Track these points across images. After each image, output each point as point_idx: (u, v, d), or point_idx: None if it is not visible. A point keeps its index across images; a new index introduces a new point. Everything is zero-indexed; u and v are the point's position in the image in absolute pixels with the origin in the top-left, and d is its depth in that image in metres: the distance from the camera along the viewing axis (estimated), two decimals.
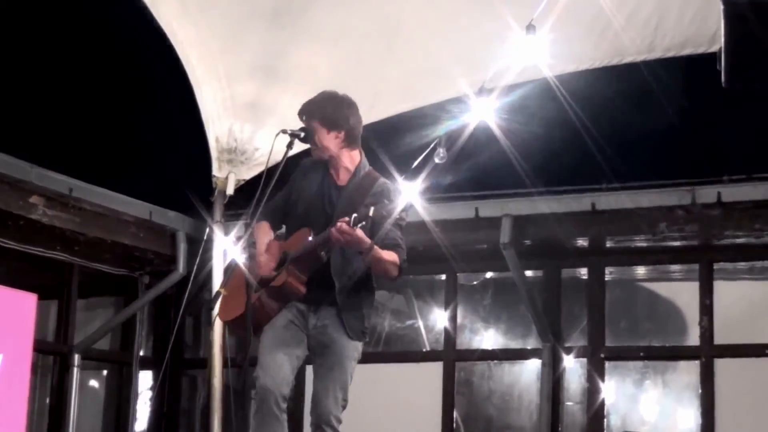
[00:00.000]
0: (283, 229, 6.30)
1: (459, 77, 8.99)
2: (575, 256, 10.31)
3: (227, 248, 9.60)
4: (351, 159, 6.22)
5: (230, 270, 6.11)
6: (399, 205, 5.97)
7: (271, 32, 9.19)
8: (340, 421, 5.95)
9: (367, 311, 6.14)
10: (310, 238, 5.94)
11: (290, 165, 6.19)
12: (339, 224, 5.72)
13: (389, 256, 5.95)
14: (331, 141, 6.16)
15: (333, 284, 6.02)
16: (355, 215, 5.71)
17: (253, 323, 5.95)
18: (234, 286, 5.97)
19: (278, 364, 5.94)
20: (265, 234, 6.18)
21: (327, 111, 6.18)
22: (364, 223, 5.71)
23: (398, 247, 6.02)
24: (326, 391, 5.96)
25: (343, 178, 6.19)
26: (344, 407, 5.99)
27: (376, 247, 5.85)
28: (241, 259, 6.05)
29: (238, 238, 6.44)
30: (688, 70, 9.40)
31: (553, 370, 10.14)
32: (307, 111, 6.20)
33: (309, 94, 6.33)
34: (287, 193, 6.26)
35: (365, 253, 5.86)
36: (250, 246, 6.26)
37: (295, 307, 6.06)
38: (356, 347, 6.09)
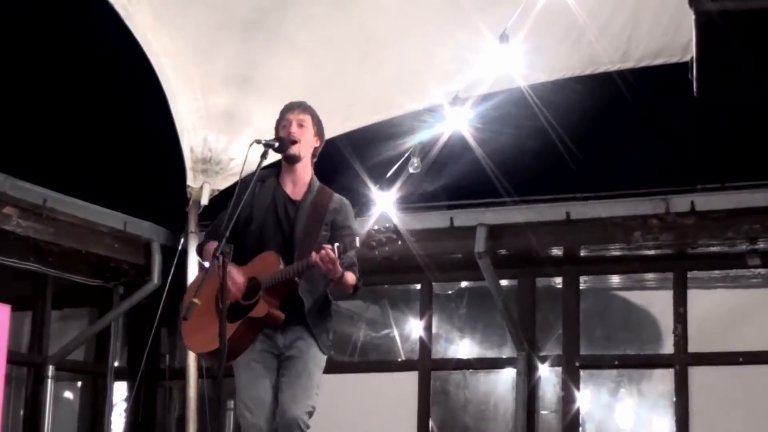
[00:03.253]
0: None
1: (433, 87, 9.02)
2: (550, 265, 10.32)
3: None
4: (309, 171, 6.25)
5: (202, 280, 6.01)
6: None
7: (245, 43, 9.19)
8: (308, 427, 5.95)
9: (330, 325, 6.19)
10: (281, 266, 5.91)
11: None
12: (326, 253, 5.72)
13: (350, 278, 6.01)
14: (311, 142, 6.22)
15: (300, 303, 6.01)
16: (338, 244, 5.74)
17: (229, 353, 5.94)
18: (201, 312, 5.91)
19: (262, 402, 5.95)
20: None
21: (318, 117, 6.28)
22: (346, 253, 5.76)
23: (354, 266, 6.06)
24: (294, 398, 5.94)
25: (297, 192, 6.19)
26: (311, 414, 5.98)
27: (344, 272, 5.90)
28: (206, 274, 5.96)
29: (197, 251, 6.36)
30: (661, 80, 9.44)
31: (528, 378, 10.15)
32: (304, 105, 6.25)
33: (284, 105, 6.35)
34: (236, 211, 6.19)
35: (337, 280, 5.90)
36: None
37: (262, 332, 6.05)
38: (322, 361, 6.11)
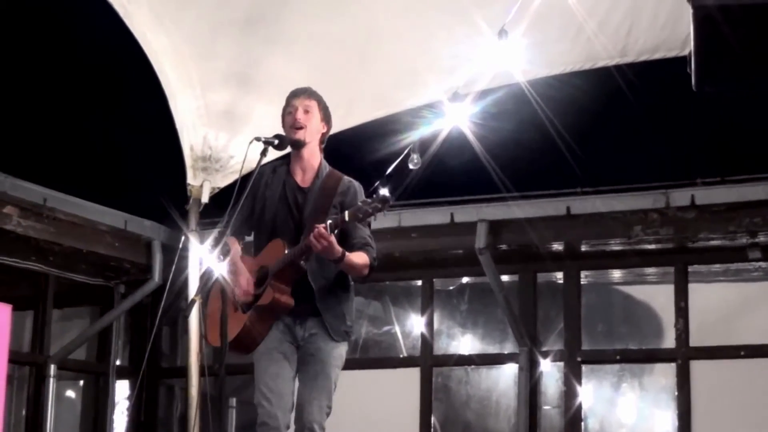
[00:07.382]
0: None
1: (433, 83, 9.01)
2: (551, 260, 10.32)
3: (203, 256, 9.59)
4: (318, 157, 6.26)
5: (206, 278, 6.07)
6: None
7: (244, 40, 9.18)
8: (323, 429, 5.96)
9: (347, 310, 6.14)
10: (287, 251, 5.93)
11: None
12: (317, 231, 5.70)
13: (360, 258, 5.97)
14: (318, 128, 6.22)
15: (312, 291, 6.01)
16: (330, 221, 5.71)
17: (246, 344, 5.99)
18: (217, 307, 5.94)
19: (279, 392, 5.95)
20: (234, 250, 6.10)
21: (324, 103, 6.28)
22: (338, 230, 5.73)
23: (368, 245, 6.04)
24: (310, 398, 5.96)
25: (306, 179, 6.20)
26: (328, 414, 6.00)
27: (347, 254, 5.87)
28: (221, 274, 5.98)
29: (214, 246, 6.36)
30: (660, 74, 9.44)
31: (530, 374, 10.15)
32: (310, 91, 6.26)
33: (283, 102, 6.35)
34: (251, 204, 6.21)
35: (337, 261, 5.87)
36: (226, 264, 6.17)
37: (282, 322, 6.04)
38: (340, 354, 6.09)
